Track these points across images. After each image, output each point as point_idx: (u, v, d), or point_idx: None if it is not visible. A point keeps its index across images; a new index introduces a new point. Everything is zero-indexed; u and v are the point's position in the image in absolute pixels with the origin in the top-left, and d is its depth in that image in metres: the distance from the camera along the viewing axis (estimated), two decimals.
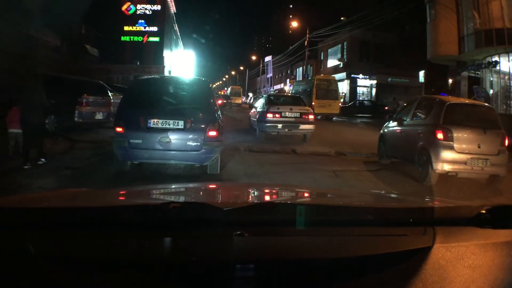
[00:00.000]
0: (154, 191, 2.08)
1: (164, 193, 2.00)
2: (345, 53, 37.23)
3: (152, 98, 6.06)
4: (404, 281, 1.02)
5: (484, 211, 1.28)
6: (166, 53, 47.52)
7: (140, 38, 42.73)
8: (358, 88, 36.89)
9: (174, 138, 5.62)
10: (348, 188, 6.14)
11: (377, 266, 1.09)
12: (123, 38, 42.18)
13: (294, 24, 39.37)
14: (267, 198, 2.03)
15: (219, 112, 6.57)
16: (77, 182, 5.79)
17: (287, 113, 11.45)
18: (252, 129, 13.16)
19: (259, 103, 13.49)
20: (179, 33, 71.54)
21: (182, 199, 1.83)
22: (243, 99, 47.54)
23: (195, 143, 5.65)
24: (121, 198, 1.79)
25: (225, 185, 2.84)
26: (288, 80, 56.00)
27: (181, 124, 5.67)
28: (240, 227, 1.10)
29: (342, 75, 36.33)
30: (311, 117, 11.69)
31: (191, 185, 2.88)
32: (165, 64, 45.60)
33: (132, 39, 42.62)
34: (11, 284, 0.95)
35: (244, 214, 1.18)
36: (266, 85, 70.04)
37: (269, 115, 11.32)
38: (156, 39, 43.00)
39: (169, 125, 5.64)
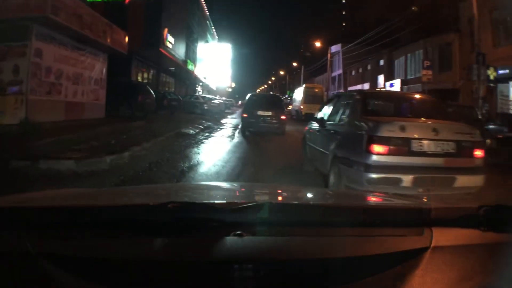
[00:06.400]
0: (154, 190, 2.09)
1: (163, 193, 1.98)
2: None
3: (258, 101, 15.48)
4: (401, 282, 1.03)
5: (482, 212, 1.24)
6: (179, 38, 27.81)
7: None
8: None
9: (267, 119, 14.56)
10: None
11: (374, 266, 1.08)
12: None
13: None
14: (266, 198, 1.96)
15: (285, 108, 18.14)
16: None
17: (424, 143, 4.15)
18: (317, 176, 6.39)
19: (338, 115, 5.67)
20: (209, 17, 52.59)
21: (181, 198, 1.76)
22: None
23: (276, 122, 14.64)
24: (120, 198, 1.78)
25: (225, 185, 2.79)
26: (381, 76, 34.34)
27: (270, 113, 14.57)
28: (238, 227, 1.10)
29: None
30: (478, 153, 4.33)
31: (191, 184, 2.98)
32: (169, 46, 25.73)
33: None
34: (10, 284, 0.96)
35: (243, 214, 1.17)
36: (331, 87, 48.24)
37: (378, 150, 4.10)
38: None
39: (265, 113, 14.52)
